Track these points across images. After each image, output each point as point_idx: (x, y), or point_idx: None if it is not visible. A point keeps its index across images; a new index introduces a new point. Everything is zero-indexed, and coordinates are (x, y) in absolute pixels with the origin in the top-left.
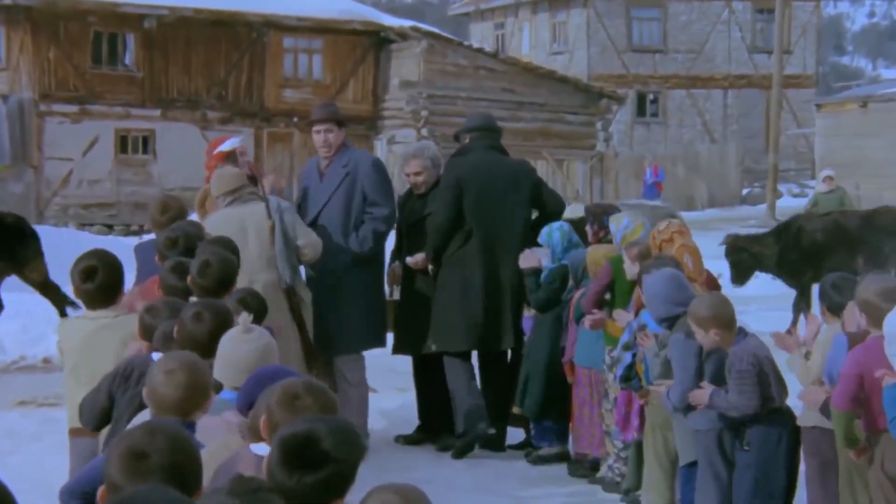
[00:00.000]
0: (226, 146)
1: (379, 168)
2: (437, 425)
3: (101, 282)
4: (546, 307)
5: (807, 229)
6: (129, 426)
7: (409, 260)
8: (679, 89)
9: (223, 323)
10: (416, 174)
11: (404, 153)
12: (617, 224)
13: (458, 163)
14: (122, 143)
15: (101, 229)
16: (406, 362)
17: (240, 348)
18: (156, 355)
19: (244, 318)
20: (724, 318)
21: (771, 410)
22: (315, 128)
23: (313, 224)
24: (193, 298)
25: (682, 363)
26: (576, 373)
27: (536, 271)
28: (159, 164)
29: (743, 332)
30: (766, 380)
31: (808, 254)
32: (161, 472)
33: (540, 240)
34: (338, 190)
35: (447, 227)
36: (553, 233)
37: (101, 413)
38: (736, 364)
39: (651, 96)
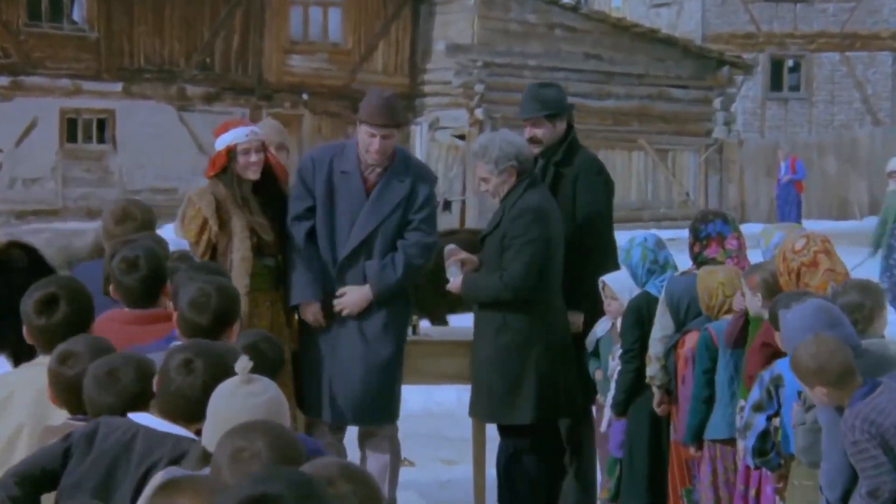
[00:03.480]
0: (226, 139)
1: (434, 187)
2: None
3: (63, 316)
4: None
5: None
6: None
7: (452, 283)
8: (829, 52)
9: (221, 374)
10: (482, 180)
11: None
12: (766, 240)
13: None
14: (71, 128)
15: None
16: (459, 427)
17: (238, 406)
18: (137, 416)
19: (243, 363)
20: (831, 372)
21: None
22: (370, 129)
23: (357, 251)
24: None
25: (830, 433)
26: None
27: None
28: (121, 157)
29: (870, 386)
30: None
31: None
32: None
33: (619, 259)
34: (395, 212)
35: None
36: (632, 250)
37: (38, 475)
38: (848, 435)
39: (790, 63)
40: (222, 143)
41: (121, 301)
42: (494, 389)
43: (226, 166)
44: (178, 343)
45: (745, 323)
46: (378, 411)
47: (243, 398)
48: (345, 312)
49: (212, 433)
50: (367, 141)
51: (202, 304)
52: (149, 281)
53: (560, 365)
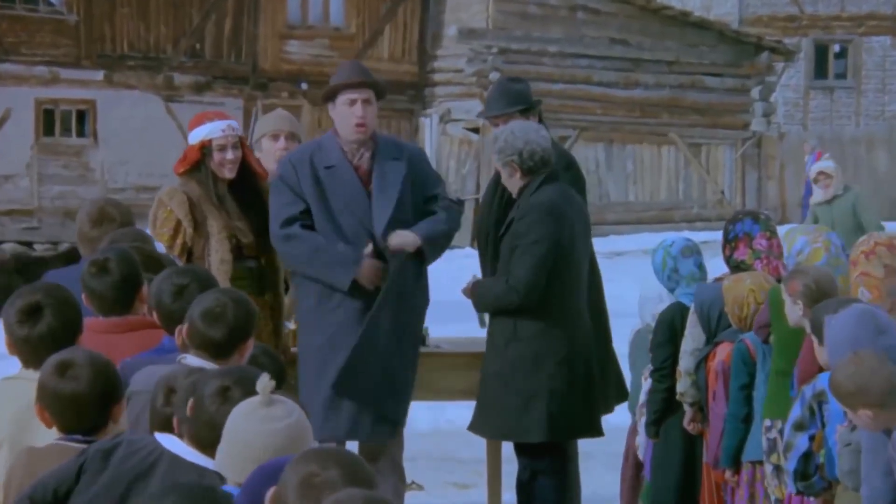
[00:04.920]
0: (200, 133)
1: (427, 158)
2: None
3: (47, 326)
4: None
5: None
6: None
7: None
8: (880, 36)
9: None
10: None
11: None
12: (789, 246)
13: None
14: (47, 120)
15: (14, 248)
16: (472, 448)
17: (255, 429)
18: (165, 438)
19: (264, 382)
20: (873, 393)
21: None
22: (349, 95)
23: (378, 251)
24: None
25: (871, 453)
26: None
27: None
28: (102, 152)
29: None
30: None
31: None
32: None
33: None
34: (403, 197)
35: None
36: (656, 252)
37: (49, 500)
38: None
39: (836, 48)
40: (196, 136)
41: (92, 309)
42: (503, 405)
43: (199, 163)
44: (188, 358)
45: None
46: (384, 425)
47: (262, 422)
48: (394, 244)
49: (225, 455)
50: (348, 113)
51: (217, 315)
52: (121, 286)
53: (578, 379)
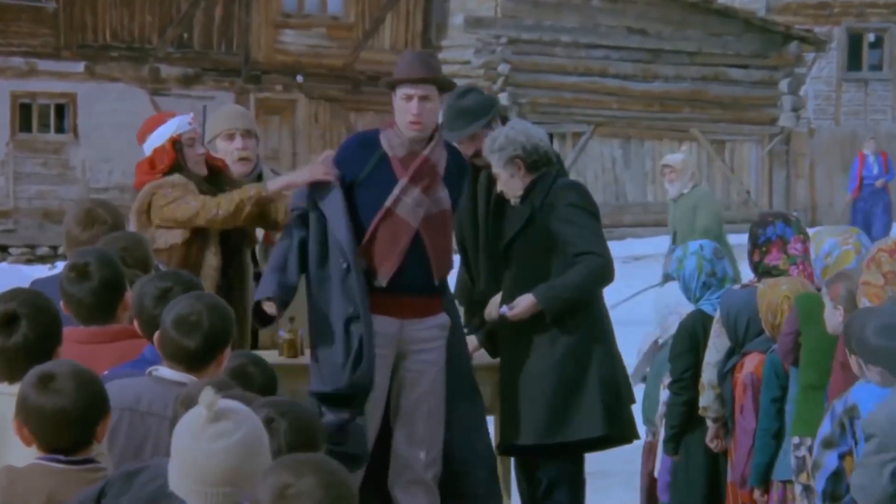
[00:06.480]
0: (167, 130)
1: None
2: None
3: (23, 337)
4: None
5: None
6: None
7: (505, 311)
8: None
9: (302, 440)
10: (497, 178)
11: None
12: (817, 248)
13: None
14: (24, 115)
15: None
16: None
17: (204, 448)
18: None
19: (208, 398)
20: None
21: None
22: (405, 90)
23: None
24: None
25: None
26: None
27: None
28: (84, 150)
29: None
30: None
31: None
32: None
33: (669, 270)
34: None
35: None
36: (686, 259)
37: None
38: None
39: (871, 37)
40: (164, 134)
41: (72, 316)
42: (555, 403)
43: (175, 163)
44: (160, 370)
45: (798, 335)
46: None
47: (210, 440)
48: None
49: (175, 476)
50: (404, 108)
51: (192, 323)
52: (102, 292)
53: (623, 369)
